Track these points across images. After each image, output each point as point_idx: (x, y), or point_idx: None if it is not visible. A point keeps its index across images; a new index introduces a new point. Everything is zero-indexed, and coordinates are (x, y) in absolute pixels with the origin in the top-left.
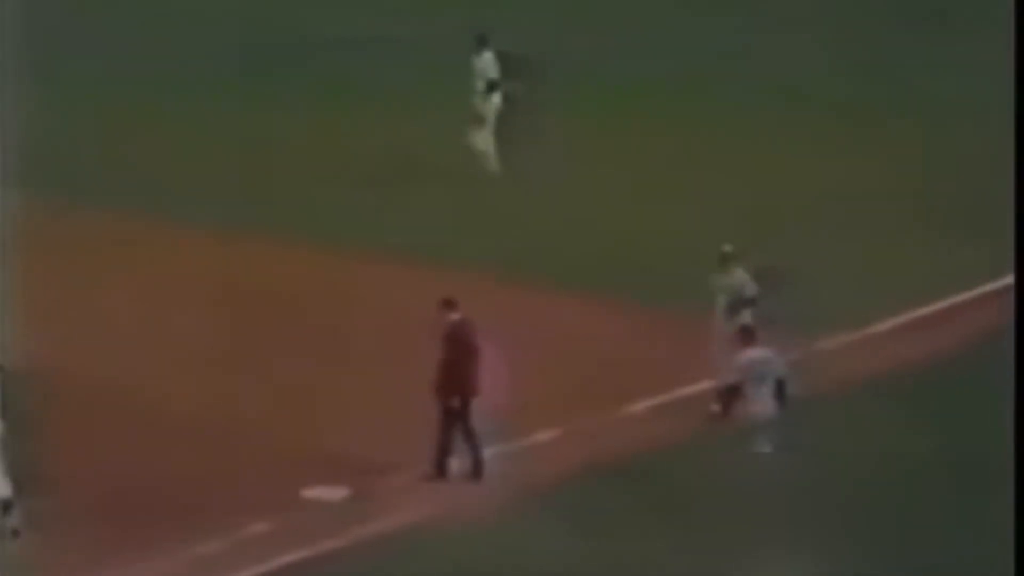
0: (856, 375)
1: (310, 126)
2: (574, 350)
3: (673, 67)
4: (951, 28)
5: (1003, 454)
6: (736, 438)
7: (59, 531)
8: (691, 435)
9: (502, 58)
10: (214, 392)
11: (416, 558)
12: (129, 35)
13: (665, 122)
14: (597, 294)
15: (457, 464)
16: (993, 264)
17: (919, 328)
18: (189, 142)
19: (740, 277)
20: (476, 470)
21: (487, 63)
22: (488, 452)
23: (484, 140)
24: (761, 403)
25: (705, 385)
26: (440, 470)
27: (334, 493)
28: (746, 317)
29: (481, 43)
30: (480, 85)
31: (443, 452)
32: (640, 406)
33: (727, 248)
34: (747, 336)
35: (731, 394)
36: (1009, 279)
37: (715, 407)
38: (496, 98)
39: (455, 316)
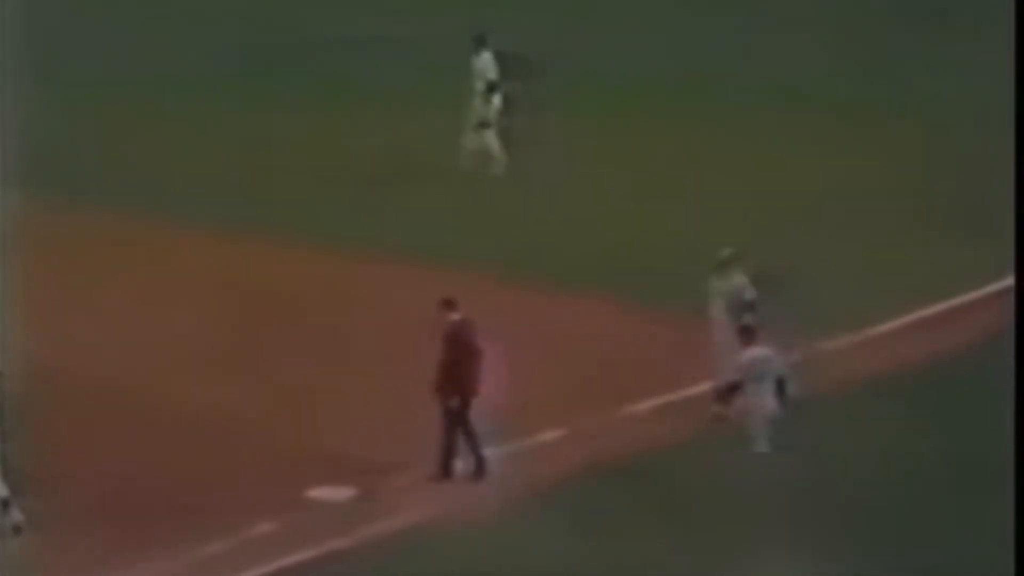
0: (856, 375)
1: (310, 126)
2: (574, 350)
3: (673, 67)
4: (951, 28)
5: (1003, 454)
6: (736, 438)
7: (62, 531)
8: (692, 435)
9: (501, 58)
10: (216, 392)
11: (421, 558)
12: (129, 35)
13: (665, 122)
14: (597, 294)
15: (461, 464)
16: (993, 265)
17: (919, 329)
18: (189, 142)
19: (739, 281)
20: (478, 470)
21: (486, 63)
22: (492, 452)
23: (489, 141)
24: (762, 402)
25: (706, 385)
26: (445, 470)
27: (339, 493)
28: (746, 320)
29: (479, 43)
30: (479, 86)
31: (447, 452)
32: (641, 406)
33: (725, 252)
34: (747, 335)
35: (732, 393)
36: (1009, 280)
37: (717, 407)
38: (496, 99)
39: (455, 316)
